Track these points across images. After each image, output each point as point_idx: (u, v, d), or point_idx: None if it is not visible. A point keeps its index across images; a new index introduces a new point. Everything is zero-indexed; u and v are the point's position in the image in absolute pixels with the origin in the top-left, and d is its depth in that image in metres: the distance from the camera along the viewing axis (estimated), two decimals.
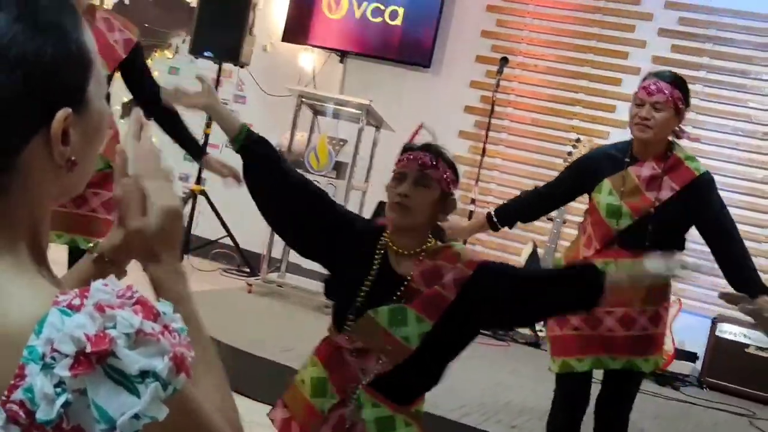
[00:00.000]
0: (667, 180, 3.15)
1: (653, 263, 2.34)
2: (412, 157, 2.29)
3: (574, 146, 6.19)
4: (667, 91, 3.10)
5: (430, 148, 2.32)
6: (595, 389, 3.42)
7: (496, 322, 2.56)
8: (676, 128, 3.20)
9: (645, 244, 3.06)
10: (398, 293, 2.24)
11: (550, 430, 3.45)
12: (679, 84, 3.16)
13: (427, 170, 2.26)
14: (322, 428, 2.24)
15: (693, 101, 6.33)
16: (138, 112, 1.16)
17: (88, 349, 0.76)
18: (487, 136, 6.75)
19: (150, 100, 3.59)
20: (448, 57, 7.29)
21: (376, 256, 2.30)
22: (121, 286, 0.84)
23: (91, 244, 1.23)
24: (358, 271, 2.30)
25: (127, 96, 3.87)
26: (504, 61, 6.75)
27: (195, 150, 3.86)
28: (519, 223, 3.56)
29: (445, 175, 2.28)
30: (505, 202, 3.59)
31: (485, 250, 6.89)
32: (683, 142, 3.31)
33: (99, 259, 1.20)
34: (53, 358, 0.77)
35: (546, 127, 6.96)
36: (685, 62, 6.56)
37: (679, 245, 3.25)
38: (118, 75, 3.66)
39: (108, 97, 3.64)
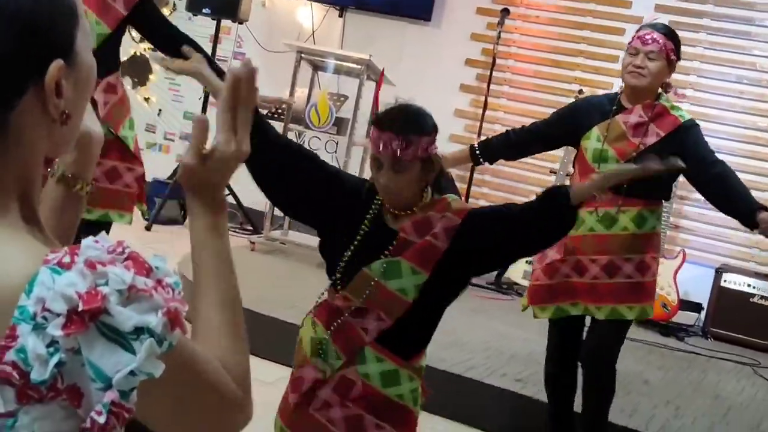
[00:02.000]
0: (653, 127, 3.22)
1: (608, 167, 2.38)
2: (383, 141, 2.22)
3: (576, 97, 6.12)
4: (661, 41, 3.18)
5: (397, 127, 2.21)
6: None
7: (490, 266, 2.54)
8: (666, 80, 3.28)
9: (623, 187, 3.10)
10: (390, 248, 2.23)
11: (547, 379, 3.50)
12: (672, 36, 3.25)
13: (400, 155, 2.21)
14: (324, 389, 2.24)
15: (696, 50, 6.34)
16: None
17: (81, 308, 0.75)
18: (488, 89, 6.69)
19: (171, 42, 3.56)
20: (448, 9, 7.21)
21: (369, 215, 2.29)
22: (112, 242, 0.82)
23: (80, 187, 1.20)
24: (351, 230, 2.29)
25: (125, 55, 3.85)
26: (505, 12, 6.67)
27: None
28: (502, 160, 3.65)
29: (419, 150, 2.21)
30: (489, 137, 3.58)
31: (489, 203, 6.85)
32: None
33: (62, 178, 1.18)
34: (45, 318, 0.76)
35: (548, 79, 6.89)
36: (688, 9, 6.48)
37: (664, 193, 3.35)
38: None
39: (118, 61, 3.64)
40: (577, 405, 3.43)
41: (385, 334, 2.23)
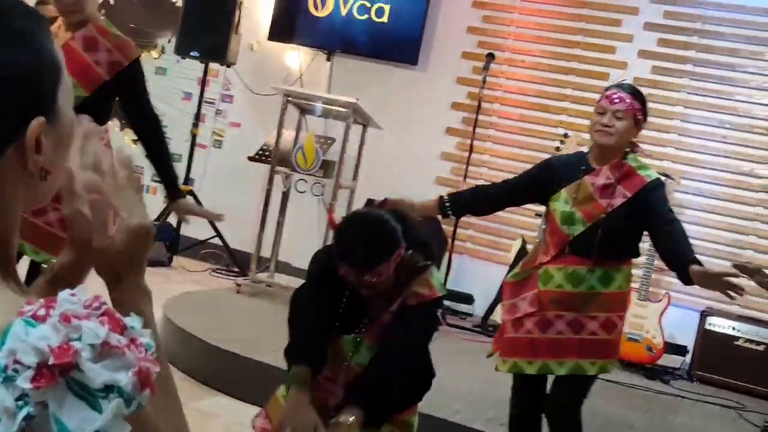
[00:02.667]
0: (620, 188, 3.24)
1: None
2: (354, 276, 2.31)
3: (562, 141, 6.19)
4: (628, 100, 3.22)
5: (361, 266, 2.30)
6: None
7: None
8: (632, 140, 3.31)
9: (594, 250, 3.18)
10: (363, 328, 2.33)
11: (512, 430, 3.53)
12: (638, 96, 3.28)
13: (374, 284, 2.30)
14: None
15: (680, 95, 6.40)
16: (85, 122, 1.08)
17: (51, 362, 0.75)
18: (474, 132, 6.73)
19: (145, 130, 3.54)
20: (434, 54, 7.28)
21: (345, 296, 2.38)
22: (89, 297, 0.82)
23: (45, 265, 1.17)
24: (333, 298, 2.38)
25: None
26: (490, 57, 6.74)
27: (172, 191, 3.67)
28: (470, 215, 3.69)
29: (390, 269, 2.30)
30: (460, 190, 3.61)
31: (475, 246, 6.88)
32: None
33: (53, 280, 1.14)
34: (15, 370, 0.75)
35: (534, 123, 6.95)
36: (671, 56, 6.57)
37: (632, 252, 3.36)
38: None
39: (106, 118, 3.56)
40: None
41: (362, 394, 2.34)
